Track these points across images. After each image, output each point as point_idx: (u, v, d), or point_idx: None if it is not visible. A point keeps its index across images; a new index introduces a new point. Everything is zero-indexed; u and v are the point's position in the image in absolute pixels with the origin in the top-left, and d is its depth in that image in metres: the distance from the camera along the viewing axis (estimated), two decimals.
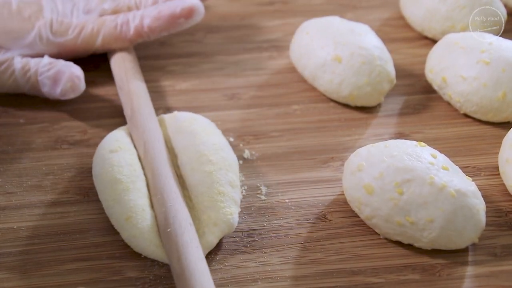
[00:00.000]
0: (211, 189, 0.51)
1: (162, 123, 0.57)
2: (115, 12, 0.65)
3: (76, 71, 0.60)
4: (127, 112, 0.59)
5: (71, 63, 0.61)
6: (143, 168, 0.53)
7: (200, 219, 0.51)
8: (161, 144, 0.55)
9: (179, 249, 0.47)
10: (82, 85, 0.60)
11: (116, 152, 0.53)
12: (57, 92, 0.60)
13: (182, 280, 0.46)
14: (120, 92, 0.61)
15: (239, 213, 0.52)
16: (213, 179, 0.52)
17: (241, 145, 0.59)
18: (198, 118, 0.57)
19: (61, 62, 0.60)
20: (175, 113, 0.58)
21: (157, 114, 0.61)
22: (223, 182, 0.52)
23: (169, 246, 0.48)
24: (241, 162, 0.57)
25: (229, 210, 0.51)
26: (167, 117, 0.58)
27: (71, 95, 0.60)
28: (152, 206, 0.51)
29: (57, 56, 0.62)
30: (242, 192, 0.54)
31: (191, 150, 0.54)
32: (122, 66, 0.62)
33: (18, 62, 0.60)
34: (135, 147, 0.55)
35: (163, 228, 0.49)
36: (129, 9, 0.65)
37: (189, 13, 0.63)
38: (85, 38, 0.62)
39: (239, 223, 0.52)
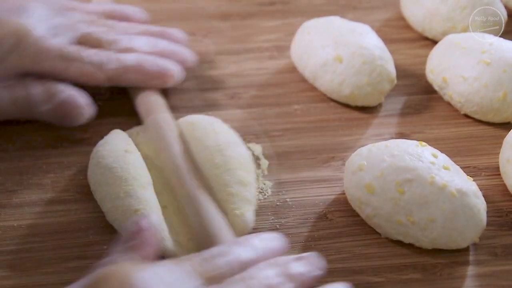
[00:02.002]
0: (221, 192, 0.51)
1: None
2: (89, 40, 0.60)
3: (80, 99, 0.58)
4: (143, 112, 0.59)
5: (70, 88, 0.58)
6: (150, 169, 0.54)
7: None
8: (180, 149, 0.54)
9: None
10: (87, 113, 0.58)
11: (131, 153, 0.53)
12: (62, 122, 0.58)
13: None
14: (134, 93, 0.61)
15: None
16: (221, 182, 0.51)
17: None
18: (198, 121, 0.57)
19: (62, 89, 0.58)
20: (180, 120, 0.58)
21: None
22: (232, 183, 0.51)
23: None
24: None
25: (239, 211, 0.50)
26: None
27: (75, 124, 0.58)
28: (162, 207, 0.51)
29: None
30: None
31: (199, 156, 0.54)
32: None
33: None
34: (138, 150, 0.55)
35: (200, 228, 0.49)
36: (103, 41, 0.61)
37: (163, 78, 0.61)
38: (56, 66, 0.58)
39: None
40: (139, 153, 0.54)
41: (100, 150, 0.54)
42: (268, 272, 0.43)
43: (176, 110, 0.62)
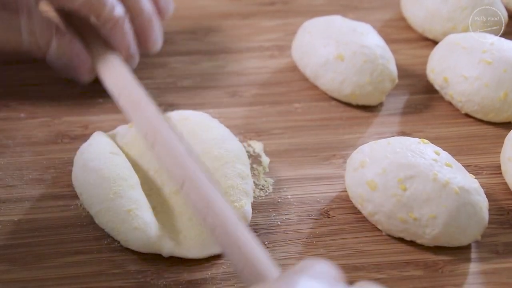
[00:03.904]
0: (221, 184, 0.51)
1: None
2: None
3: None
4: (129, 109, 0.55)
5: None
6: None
7: None
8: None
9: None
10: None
11: (117, 155, 0.53)
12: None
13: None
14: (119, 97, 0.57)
15: None
16: (220, 174, 0.51)
17: (243, 143, 0.59)
18: (190, 116, 0.56)
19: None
20: (171, 114, 0.57)
21: None
22: (232, 175, 0.51)
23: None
24: None
25: (238, 203, 0.50)
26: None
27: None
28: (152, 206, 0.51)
29: None
30: None
31: (196, 149, 0.53)
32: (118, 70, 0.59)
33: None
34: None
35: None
36: None
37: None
38: None
39: None
40: (123, 154, 0.54)
41: (85, 153, 0.53)
42: None
43: (177, 107, 0.62)
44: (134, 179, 0.52)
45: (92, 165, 0.52)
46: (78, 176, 0.53)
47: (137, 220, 0.49)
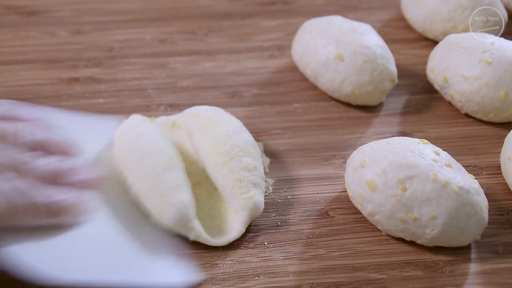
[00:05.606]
0: (227, 180, 0.52)
1: (177, 125, 0.58)
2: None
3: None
4: None
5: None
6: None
7: (225, 210, 0.52)
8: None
9: None
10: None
11: (166, 137, 0.55)
12: None
13: None
14: None
15: None
16: (227, 169, 0.52)
17: None
18: (201, 112, 0.57)
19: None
20: (184, 112, 0.58)
21: (159, 110, 0.61)
22: (238, 169, 0.52)
23: None
24: None
25: (247, 195, 0.51)
26: (178, 117, 0.58)
27: None
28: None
29: None
30: None
31: (204, 148, 0.54)
32: None
33: None
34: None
35: None
36: None
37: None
38: None
39: None
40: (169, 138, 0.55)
41: (138, 126, 0.55)
42: None
43: (177, 107, 0.62)
44: (180, 162, 0.53)
45: (145, 138, 0.53)
46: (126, 146, 0.54)
47: (178, 197, 0.50)
